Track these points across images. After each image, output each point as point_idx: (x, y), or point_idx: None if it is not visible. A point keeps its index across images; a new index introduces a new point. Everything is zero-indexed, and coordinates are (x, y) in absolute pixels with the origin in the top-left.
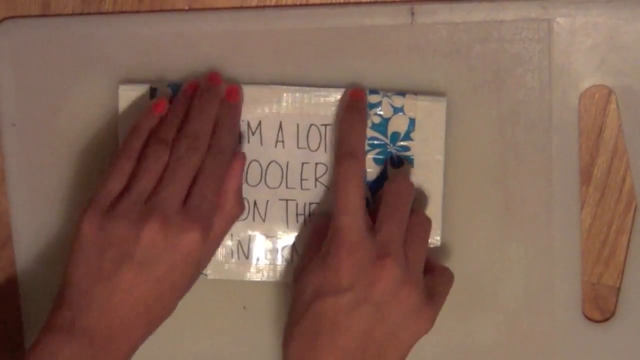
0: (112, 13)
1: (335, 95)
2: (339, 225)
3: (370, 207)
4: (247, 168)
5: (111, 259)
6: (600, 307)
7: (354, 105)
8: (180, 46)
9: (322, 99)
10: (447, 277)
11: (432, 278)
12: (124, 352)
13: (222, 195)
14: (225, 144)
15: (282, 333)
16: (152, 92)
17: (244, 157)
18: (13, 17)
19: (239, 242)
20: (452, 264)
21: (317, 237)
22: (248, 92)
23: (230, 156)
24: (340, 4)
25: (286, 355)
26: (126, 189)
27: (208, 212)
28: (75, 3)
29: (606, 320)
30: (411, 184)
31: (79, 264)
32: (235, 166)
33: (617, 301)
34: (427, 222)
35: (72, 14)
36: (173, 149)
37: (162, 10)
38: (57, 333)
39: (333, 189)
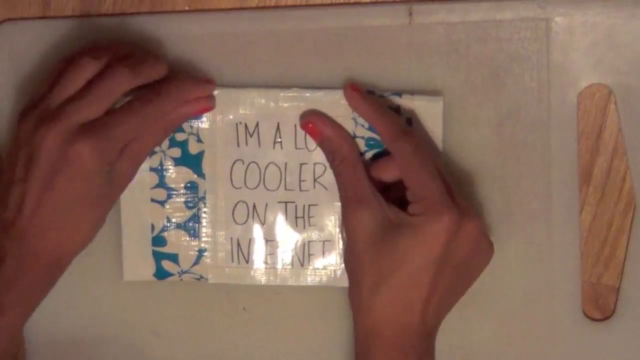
0: (112, 15)
1: (332, 96)
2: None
3: None
4: (246, 170)
5: (22, 163)
6: (600, 307)
7: (363, 97)
8: (180, 47)
9: (318, 99)
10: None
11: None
12: (48, 260)
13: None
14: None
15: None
16: None
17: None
18: (12, 19)
19: (239, 246)
20: None
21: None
22: (245, 94)
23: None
24: (339, 4)
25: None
26: (42, 96)
27: (119, 133)
28: (75, 3)
29: (606, 319)
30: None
31: (5, 165)
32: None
33: (616, 301)
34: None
35: (72, 15)
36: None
37: (162, 12)
38: None
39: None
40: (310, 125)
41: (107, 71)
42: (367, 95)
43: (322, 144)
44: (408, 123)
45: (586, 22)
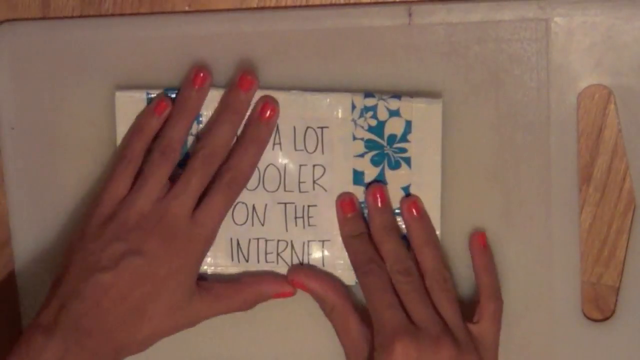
0: (112, 15)
1: (331, 98)
2: (384, 323)
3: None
4: None
5: (112, 255)
6: (600, 307)
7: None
8: (180, 48)
9: (317, 101)
10: (496, 319)
11: (480, 326)
12: (109, 354)
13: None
14: (244, 170)
15: None
16: (149, 97)
17: None
18: (12, 19)
19: (239, 246)
20: (451, 264)
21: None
22: None
23: (246, 182)
24: (338, 5)
25: None
26: (133, 192)
27: (211, 234)
28: (75, 4)
29: (606, 319)
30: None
31: (79, 257)
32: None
33: (616, 301)
34: (442, 272)
35: (72, 16)
36: (188, 158)
37: (162, 12)
38: (40, 330)
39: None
40: (295, 281)
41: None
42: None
43: (312, 295)
44: (407, 125)
45: (586, 23)
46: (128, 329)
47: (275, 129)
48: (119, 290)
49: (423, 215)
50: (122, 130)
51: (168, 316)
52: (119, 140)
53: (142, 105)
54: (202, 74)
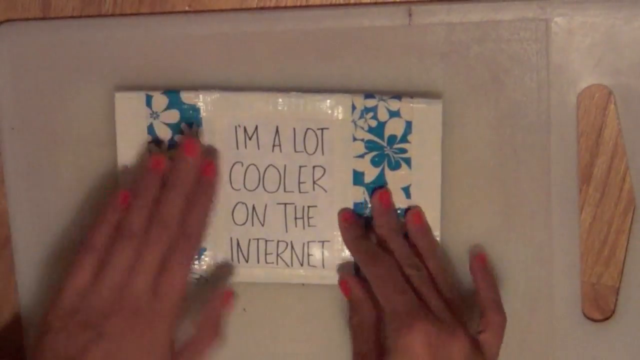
0: (112, 15)
1: (331, 99)
2: (397, 309)
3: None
4: (245, 172)
5: (79, 344)
6: (600, 307)
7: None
8: (180, 48)
9: (317, 103)
10: (499, 331)
11: (485, 336)
12: None
13: (199, 325)
14: (192, 231)
15: None
16: (148, 99)
17: (229, 295)
18: (13, 19)
19: (239, 246)
20: (451, 264)
21: (361, 333)
22: (244, 97)
23: (199, 241)
24: (338, 5)
25: None
26: (95, 280)
27: (177, 301)
28: (75, 4)
29: (606, 319)
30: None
31: (47, 349)
32: (216, 299)
33: (616, 301)
34: (446, 280)
35: (72, 16)
36: (143, 235)
37: (162, 13)
38: None
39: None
40: (343, 282)
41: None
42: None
43: (350, 300)
44: (407, 126)
45: (586, 23)
46: None
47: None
48: None
49: (425, 226)
50: (121, 131)
51: None
52: (118, 141)
53: (142, 106)
54: (160, 159)
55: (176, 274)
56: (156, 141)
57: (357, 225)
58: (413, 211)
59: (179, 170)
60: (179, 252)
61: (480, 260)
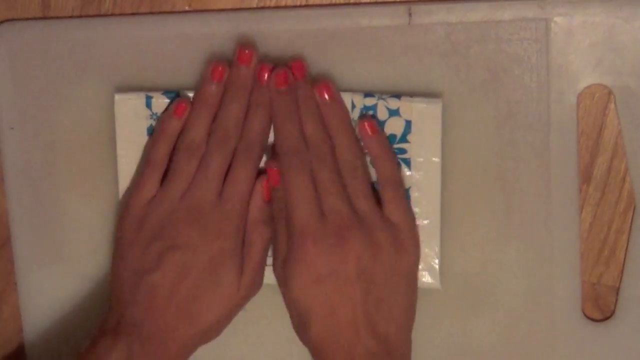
0: (112, 15)
1: None
2: (295, 221)
3: None
4: None
5: (153, 255)
6: (600, 307)
7: (279, 91)
8: (180, 47)
9: None
10: (398, 202)
11: (388, 212)
12: (174, 351)
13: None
14: (255, 137)
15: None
16: (148, 100)
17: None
18: (12, 19)
19: None
20: (452, 264)
21: (281, 227)
22: None
23: (262, 147)
24: (338, 4)
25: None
26: (160, 191)
27: (242, 205)
28: (75, 3)
29: (606, 319)
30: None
31: (124, 264)
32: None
33: (616, 301)
34: (353, 161)
35: (72, 16)
36: (205, 146)
37: (161, 12)
38: (106, 334)
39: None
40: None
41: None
42: (287, 92)
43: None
44: (407, 125)
45: (586, 23)
46: (186, 323)
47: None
48: (166, 288)
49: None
50: (121, 132)
51: (224, 299)
52: (118, 142)
53: (142, 107)
54: (220, 68)
55: (241, 178)
56: None
57: (289, 92)
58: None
59: (236, 79)
60: (242, 158)
61: (368, 127)
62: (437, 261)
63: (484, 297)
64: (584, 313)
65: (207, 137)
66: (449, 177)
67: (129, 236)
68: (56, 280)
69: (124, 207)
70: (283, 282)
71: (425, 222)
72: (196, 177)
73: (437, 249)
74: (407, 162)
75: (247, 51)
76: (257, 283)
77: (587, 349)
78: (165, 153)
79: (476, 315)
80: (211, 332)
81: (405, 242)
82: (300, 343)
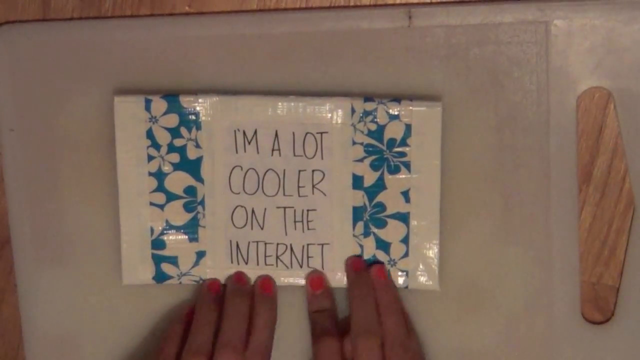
0: (112, 17)
1: (330, 103)
2: None
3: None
4: (244, 176)
5: None
6: (600, 308)
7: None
8: (180, 50)
9: (317, 106)
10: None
11: None
12: None
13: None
14: (263, 346)
15: None
16: (147, 103)
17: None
18: (12, 21)
19: (238, 249)
20: (451, 266)
21: None
22: (244, 101)
23: (268, 355)
24: (338, 7)
25: None
26: None
27: None
28: (75, 5)
29: (605, 322)
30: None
31: None
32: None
33: (616, 301)
34: (403, 341)
35: (72, 17)
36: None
37: (161, 14)
38: None
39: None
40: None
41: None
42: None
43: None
44: (407, 129)
45: (585, 25)
46: None
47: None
48: None
49: (388, 281)
50: (120, 135)
51: None
52: (118, 145)
53: (141, 110)
54: (213, 284)
55: None
56: (155, 145)
57: (325, 294)
58: (377, 266)
59: (235, 297)
60: None
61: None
62: (436, 263)
63: (483, 300)
64: (583, 315)
65: (210, 344)
66: (449, 180)
67: None
68: (56, 281)
69: None
70: None
71: (424, 223)
72: None
73: (436, 251)
74: (407, 165)
75: (240, 274)
76: None
77: (587, 352)
78: (173, 353)
79: (475, 318)
80: None
81: None
82: (300, 344)
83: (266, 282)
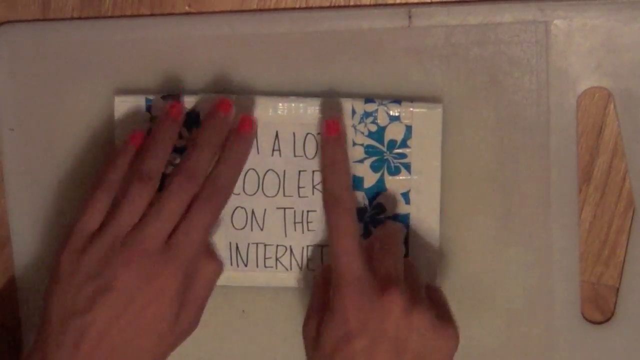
0: (111, 17)
1: (330, 103)
2: (339, 269)
3: (367, 217)
4: (244, 177)
5: (86, 296)
6: (600, 307)
7: (331, 143)
8: (180, 50)
9: (317, 107)
10: (442, 293)
11: (432, 296)
12: None
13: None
14: (223, 183)
15: None
16: (147, 103)
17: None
18: (12, 20)
19: (238, 250)
20: (451, 266)
21: (318, 289)
22: (244, 102)
23: (227, 197)
24: (338, 6)
25: None
26: (105, 223)
27: (191, 254)
28: (75, 4)
29: (605, 322)
30: (401, 227)
31: (55, 300)
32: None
33: (616, 301)
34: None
35: (72, 17)
36: (164, 183)
37: (161, 14)
38: None
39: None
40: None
41: (167, 190)
42: (339, 144)
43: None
44: (408, 130)
45: (585, 25)
46: None
47: (253, 143)
48: (96, 332)
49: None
50: (121, 135)
51: (157, 343)
52: (118, 144)
53: (141, 110)
54: (179, 110)
55: (196, 226)
56: None
57: (339, 140)
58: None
59: (211, 126)
60: (202, 203)
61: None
62: (436, 263)
63: (483, 299)
64: (583, 316)
65: (160, 171)
66: (449, 180)
67: (66, 269)
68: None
69: (67, 233)
70: (313, 344)
71: (425, 225)
72: (147, 215)
73: (436, 251)
74: (407, 167)
75: (227, 101)
76: (194, 324)
77: (586, 351)
78: (117, 179)
79: (475, 317)
80: None
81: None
82: (299, 345)
83: (246, 120)
